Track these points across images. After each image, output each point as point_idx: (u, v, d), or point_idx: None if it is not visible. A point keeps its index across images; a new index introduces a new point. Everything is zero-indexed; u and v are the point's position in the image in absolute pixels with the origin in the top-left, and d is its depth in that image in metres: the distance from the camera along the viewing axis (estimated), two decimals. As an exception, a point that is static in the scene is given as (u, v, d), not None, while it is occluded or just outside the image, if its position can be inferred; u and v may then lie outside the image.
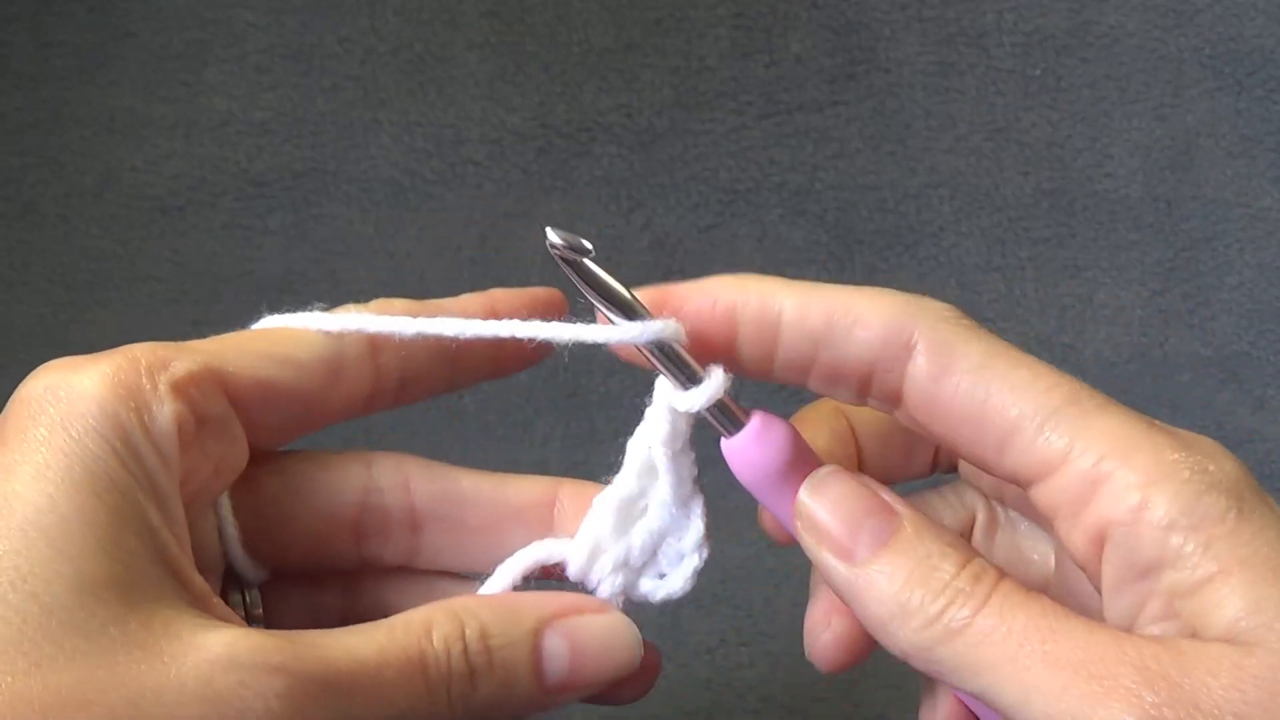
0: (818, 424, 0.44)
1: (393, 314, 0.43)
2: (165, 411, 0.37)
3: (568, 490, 0.44)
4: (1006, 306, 0.80)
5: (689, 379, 0.40)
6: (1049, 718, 0.35)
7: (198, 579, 0.37)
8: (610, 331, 0.40)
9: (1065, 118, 0.82)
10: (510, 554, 0.42)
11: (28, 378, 0.38)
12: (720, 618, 0.67)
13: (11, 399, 0.38)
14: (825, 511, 0.39)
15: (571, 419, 0.78)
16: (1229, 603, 0.35)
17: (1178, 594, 0.36)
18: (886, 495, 0.39)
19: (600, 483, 0.43)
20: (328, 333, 0.42)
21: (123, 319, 0.79)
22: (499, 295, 0.45)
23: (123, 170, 0.80)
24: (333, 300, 0.75)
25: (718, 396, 0.40)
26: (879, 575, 0.37)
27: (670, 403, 0.40)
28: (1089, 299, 0.81)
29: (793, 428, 0.41)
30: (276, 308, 0.74)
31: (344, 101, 0.81)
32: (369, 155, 0.81)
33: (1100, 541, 0.37)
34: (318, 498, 0.42)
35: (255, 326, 0.43)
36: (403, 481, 0.43)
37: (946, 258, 0.81)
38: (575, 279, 0.39)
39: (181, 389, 0.38)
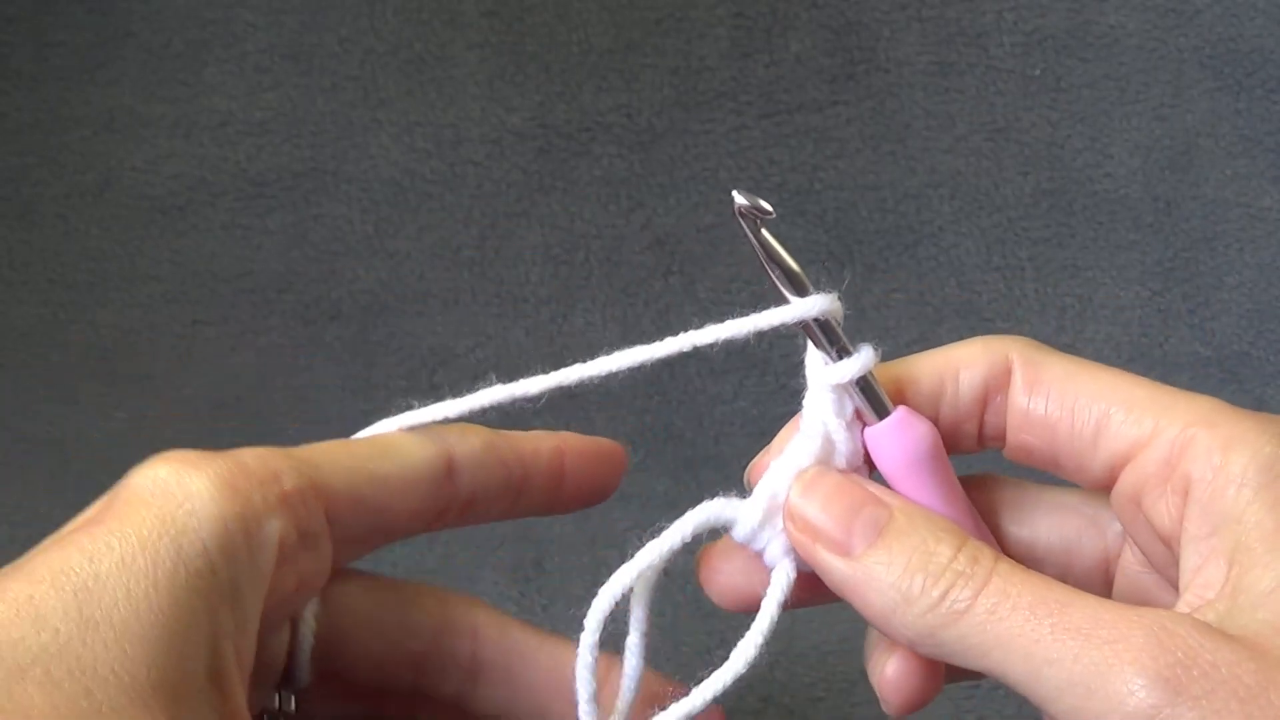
0: None
1: (471, 439, 0.44)
2: (272, 527, 0.37)
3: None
4: (1006, 306, 0.80)
5: (840, 354, 0.41)
6: (1061, 689, 0.35)
7: (239, 696, 0.36)
8: (781, 314, 0.42)
9: (1065, 118, 0.82)
10: (561, 714, 0.42)
11: (141, 466, 0.38)
12: (719, 618, 0.66)
13: (120, 484, 0.38)
14: (817, 509, 0.40)
15: (572, 419, 0.78)
16: (1274, 567, 0.35)
17: (1239, 550, 0.36)
18: (875, 489, 0.40)
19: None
20: (416, 453, 0.42)
21: (123, 319, 0.79)
22: (568, 437, 0.47)
23: (122, 170, 0.80)
24: (331, 300, 0.75)
25: (870, 365, 0.41)
26: (877, 566, 0.38)
27: (824, 378, 0.41)
28: (1089, 299, 0.81)
29: (933, 426, 0.42)
30: (276, 307, 0.74)
31: (344, 101, 0.81)
32: (368, 155, 0.81)
33: (1184, 503, 0.38)
34: (392, 628, 0.42)
35: (361, 434, 0.43)
36: (472, 627, 0.43)
37: (946, 258, 0.81)
38: (752, 240, 0.42)
39: (290, 504, 0.38)
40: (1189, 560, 0.38)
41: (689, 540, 0.42)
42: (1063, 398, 0.40)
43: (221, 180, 0.80)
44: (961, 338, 0.45)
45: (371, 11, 0.81)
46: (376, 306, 0.80)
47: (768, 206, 0.41)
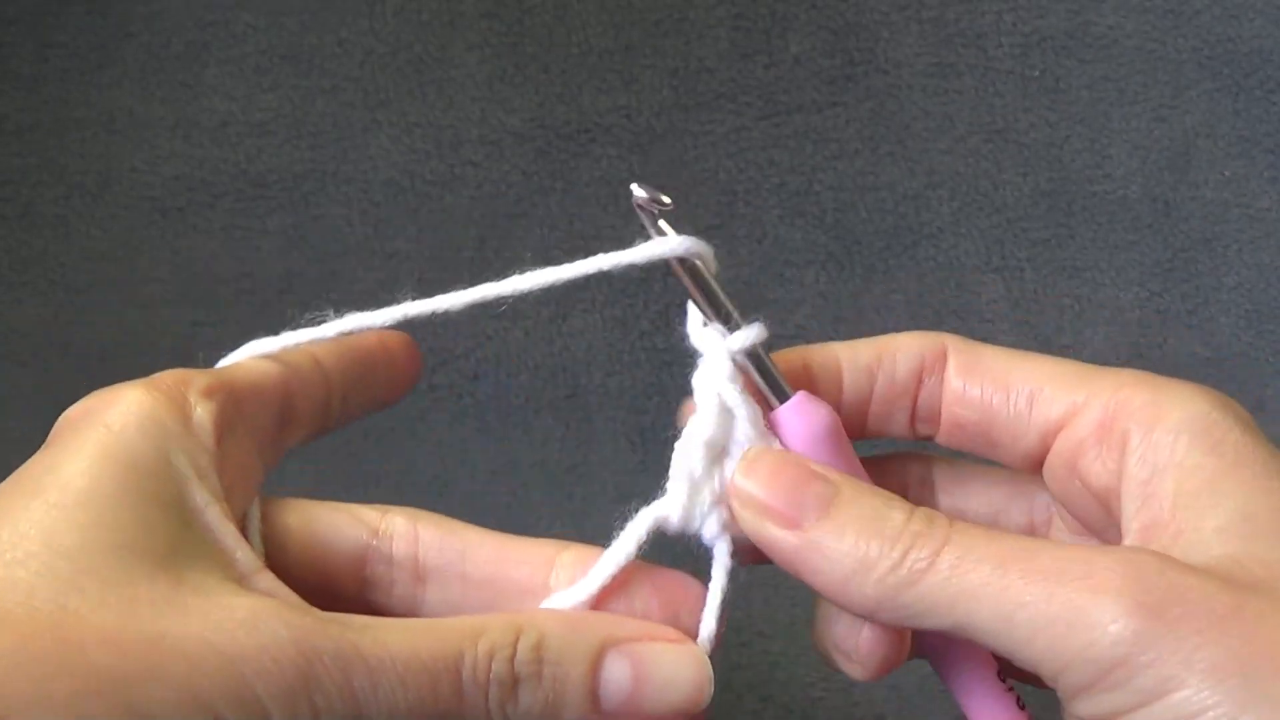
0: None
1: (321, 345, 0.46)
2: (201, 410, 0.39)
3: (568, 555, 0.43)
4: (1005, 307, 0.81)
5: (725, 322, 0.43)
6: (1035, 630, 0.35)
7: (243, 554, 0.38)
8: (641, 251, 0.44)
9: (1064, 118, 0.82)
10: (507, 609, 0.42)
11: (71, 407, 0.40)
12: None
13: (56, 423, 0.40)
14: (763, 486, 0.40)
15: (571, 419, 0.78)
16: (1222, 507, 0.37)
17: (1180, 494, 0.37)
18: (818, 467, 0.41)
19: (600, 546, 0.43)
20: (289, 355, 0.45)
21: (123, 319, 0.79)
22: (369, 331, 0.48)
23: (122, 171, 0.80)
24: (332, 302, 0.75)
25: (763, 337, 0.42)
26: (828, 537, 0.39)
27: (723, 346, 0.42)
28: (1088, 299, 0.81)
29: (832, 410, 0.43)
30: (276, 308, 0.75)
31: (343, 103, 0.81)
32: (368, 156, 0.81)
33: (1122, 456, 0.39)
34: (325, 535, 0.43)
35: (230, 358, 0.45)
36: (412, 530, 0.43)
37: (945, 258, 0.81)
38: (649, 230, 0.44)
39: (208, 393, 0.40)
40: (1129, 507, 0.39)
41: (633, 553, 0.42)
42: (996, 378, 0.42)
43: (221, 181, 0.80)
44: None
45: (371, 12, 0.81)
46: (376, 307, 0.79)
47: (666, 199, 0.43)
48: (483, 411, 0.76)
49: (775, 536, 0.40)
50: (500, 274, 0.80)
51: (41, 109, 0.80)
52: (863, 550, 0.38)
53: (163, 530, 0.36)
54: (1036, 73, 0.82)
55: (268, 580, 0.38)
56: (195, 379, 0.41)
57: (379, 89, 0.81)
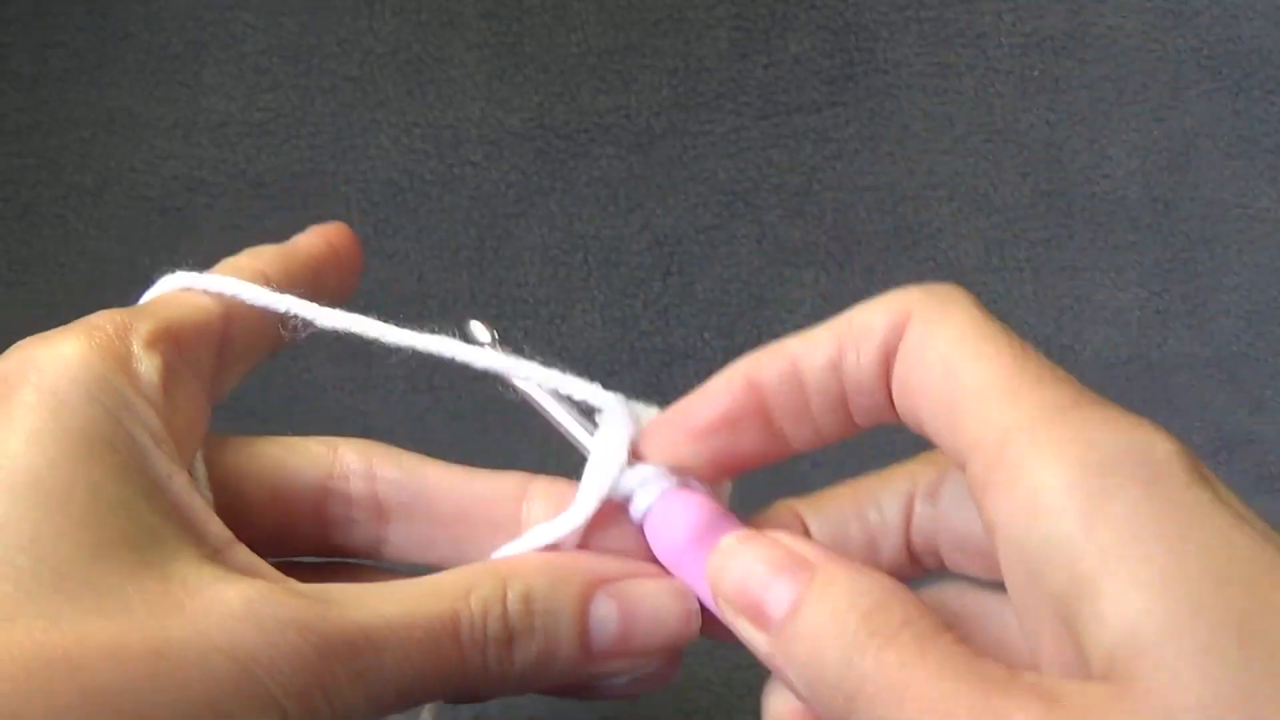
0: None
1: (267, 255, 0.45)
2: (147, 365, 0.37)
3: (538, 487, 0.43)
4: (1005, 307, 0.80)
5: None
6: None
7: (215, 527, 0.36)
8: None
9: (1063, 119, 0.82)
10: (477, 550, 0.41)
11: (4, 355, 0.38)
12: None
13: None
14: (735, 578, 0.36)
15: (570, 420, 0.78)
16: (1111, 616, 0.29)
17: (1067, 598, 0.30)
18: (802, 546, 0.36)
19: (572, 480, 0.43)
20: (228, 265, 0.43)
21: (122, 320, 0.79)
22: (316, 229, 0.48)
23: (121, 171, 0.80)
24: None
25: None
26: (793, 639, 0.34)
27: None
28: (1087, 300, 0.81)
29: (700, 496, 0.40)
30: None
31: (342, 102, 0.81)
32: (367, 156, 0.81)
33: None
34: (280, 479, 0.41)
35: (157, 288, 0.44)
36: (368, 468, 0.42)
37: (945, 259, 0.81)
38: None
39: (152, 344, 0.38)
40: (1025, 623, 0.33)
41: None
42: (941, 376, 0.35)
43: (221, 181, 0.80)
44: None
45: (370, 12, 0.81)
46: (376, 307, 0.79)
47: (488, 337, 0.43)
48: (481, 411, 0.76)
49: (747, 636, 0.36)
50: (500, 274, 0.80)
51: (41, 109, 0.80)
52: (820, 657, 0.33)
53: (134, 514, 0.34)
54: (1036, 73, 0.82)
55: (243, 554, 0.36)
56: (137, 325, 0.38)
57: (379, 89, 0.81)
